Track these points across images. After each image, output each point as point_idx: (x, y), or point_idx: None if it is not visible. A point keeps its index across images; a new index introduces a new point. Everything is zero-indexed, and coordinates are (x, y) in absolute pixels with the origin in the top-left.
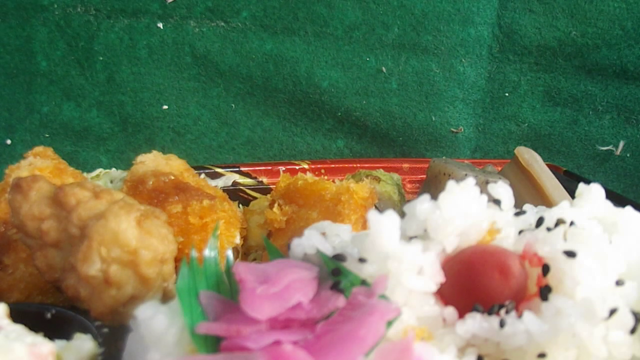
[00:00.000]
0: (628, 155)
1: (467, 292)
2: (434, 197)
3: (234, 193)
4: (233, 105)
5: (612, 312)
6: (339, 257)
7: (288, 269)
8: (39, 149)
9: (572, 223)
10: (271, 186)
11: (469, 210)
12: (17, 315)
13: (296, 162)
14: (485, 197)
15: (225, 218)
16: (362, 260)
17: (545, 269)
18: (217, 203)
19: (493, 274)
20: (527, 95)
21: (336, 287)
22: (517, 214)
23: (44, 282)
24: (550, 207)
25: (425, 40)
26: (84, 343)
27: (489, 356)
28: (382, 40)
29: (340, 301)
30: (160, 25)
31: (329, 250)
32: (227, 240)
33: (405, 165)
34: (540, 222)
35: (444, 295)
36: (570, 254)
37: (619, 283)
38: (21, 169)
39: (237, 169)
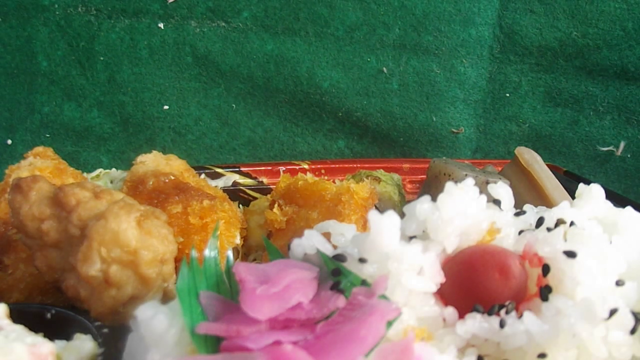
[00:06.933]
0: (629, 155)
1: (467, 292)
2: (434, 197)
3: (234, 193)
4: (234, 105)
5: (612, 312)
6: (339, 257)
7: (288, 269)
8: (39, 149)
9: (572, 223)
10: (271, 186)
11: (469, 211)
12: (17, 315)
13: (296, 163)
14: (485, 198)
15: (225, 218)
16: (362, 260)
17: (546, 269)
18: (217, 203)
19: (493, 274)
20: (527, 96)
21: (336, 288)
22: (517, 214)
23: (44, 282)
24: (550, 208)
25: (426, 41)
26: (84, 343)
27: (489, 356)
28: (383, 40)
29: (340, 301)
30: (161, 25)
31: (329, 251)
32: (227, 241)
33: (406, 166)
34: (540, 222)
35: (444, 295)
36: (571, 254)
37: (619, 283)
38: (21, 169)
39: (237, 169)
